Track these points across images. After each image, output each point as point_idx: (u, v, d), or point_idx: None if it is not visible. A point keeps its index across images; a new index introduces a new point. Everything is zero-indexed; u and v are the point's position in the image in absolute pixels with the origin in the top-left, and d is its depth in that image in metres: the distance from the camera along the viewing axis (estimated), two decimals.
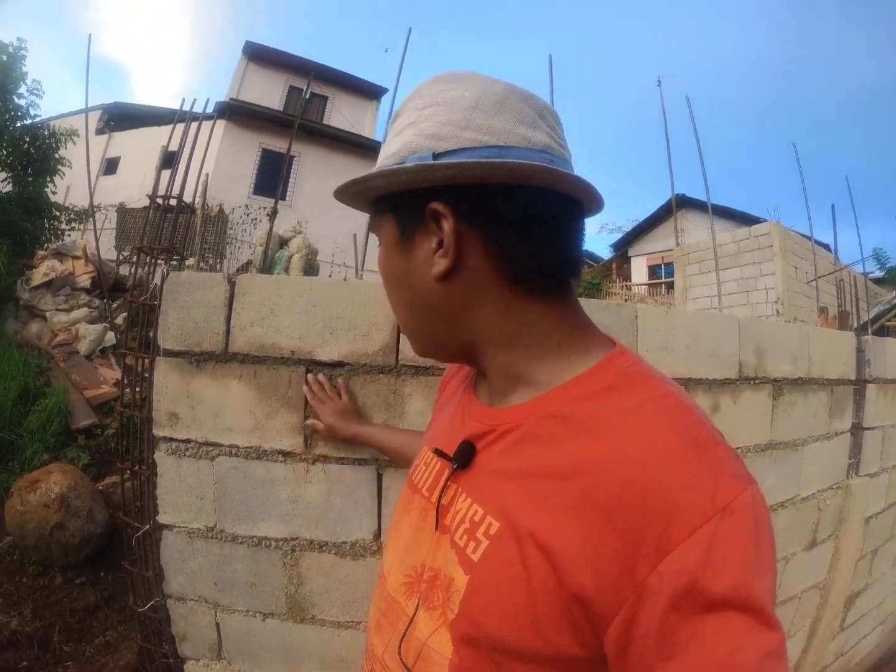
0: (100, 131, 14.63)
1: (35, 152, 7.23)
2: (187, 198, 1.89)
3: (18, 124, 7.09)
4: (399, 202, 0.63)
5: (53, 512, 2.81)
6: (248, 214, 12.45)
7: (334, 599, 1.52)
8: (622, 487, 0.48)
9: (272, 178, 13.44)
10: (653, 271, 20.40)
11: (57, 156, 7.44)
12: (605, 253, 24.50)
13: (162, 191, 1.79)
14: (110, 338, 4.95)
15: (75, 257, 5.83)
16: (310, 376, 1.44)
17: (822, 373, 2.12)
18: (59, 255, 5.84)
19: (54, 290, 5.35)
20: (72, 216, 7.88)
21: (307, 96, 15.11)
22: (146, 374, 1.60)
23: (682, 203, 13.94)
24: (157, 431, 1.51)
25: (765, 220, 9.15)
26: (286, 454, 1.48)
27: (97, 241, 5.02)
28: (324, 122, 16.08)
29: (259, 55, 16.52)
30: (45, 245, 6.95)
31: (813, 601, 2.24)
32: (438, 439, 0.72)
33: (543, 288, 0.62)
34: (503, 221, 0.59)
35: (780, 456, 1.96)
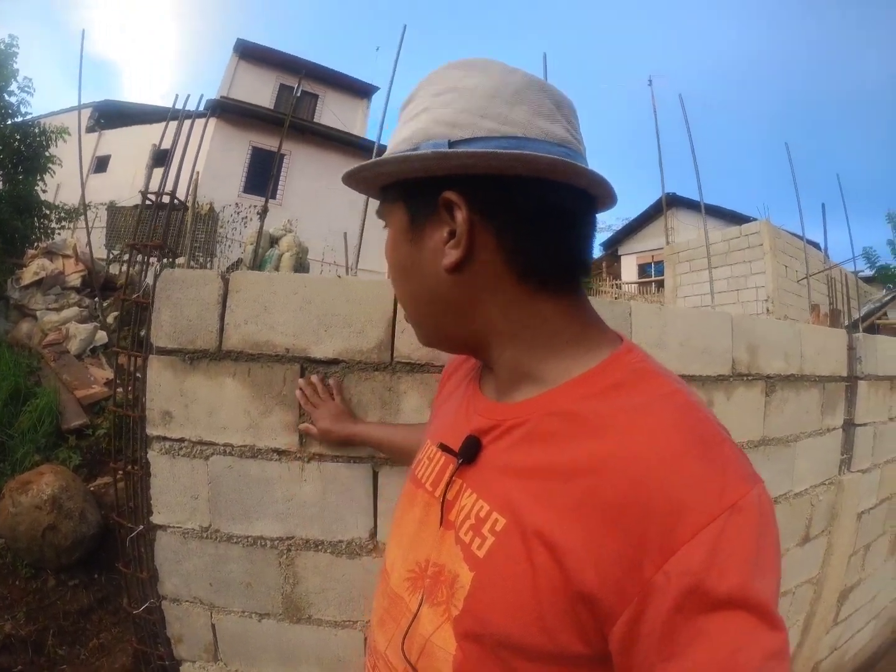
0: (90, 129, 14.52)
1: (25, 150, 7.21)
2: (178, 196, 1.88)
3: (9, 122, 7.06)
4: (411, 189, 0.62)
5: (45, 513, 2.79)
6: (238, 213, 12.44)
7: (331, 599, 1.52)
8: (628, 486, 0.48)
9: (262, 176, 13.43)
10: (643, 270, 20.49)
11: (47, 154, 7.42)
12: (594, 251, 24.64)
13: (153, 189, 1.78)
14: (101, 337, 4.92)
15: (65, 256, 5.80)
16: (301, 381, 1.42)
17: (814, 369, 2.13)
18: (50, 253, 5.81)
19: (44, 289, 5.32)
20: (62, 215, 7.85)
21: (298, 94, 15.09)
22: (139, 374, 1.59)
23: (672, 202, 14.00)
24: (151, 430, 1.49)
25: (755, 219, 9.19)
26: (281, 453, 1.47)
27: (89, 239, 4.99)
28: (314, 120, 16.08)
29: (250, 53, 16.50)
30: (36, 244, 6.93)
31: (806, 596, 2.26)
32: (442, 434, 0.71)
33: (554, 283, 0.62)
34: (518, 214, 0.58)
35: (773, 452, 1.97)
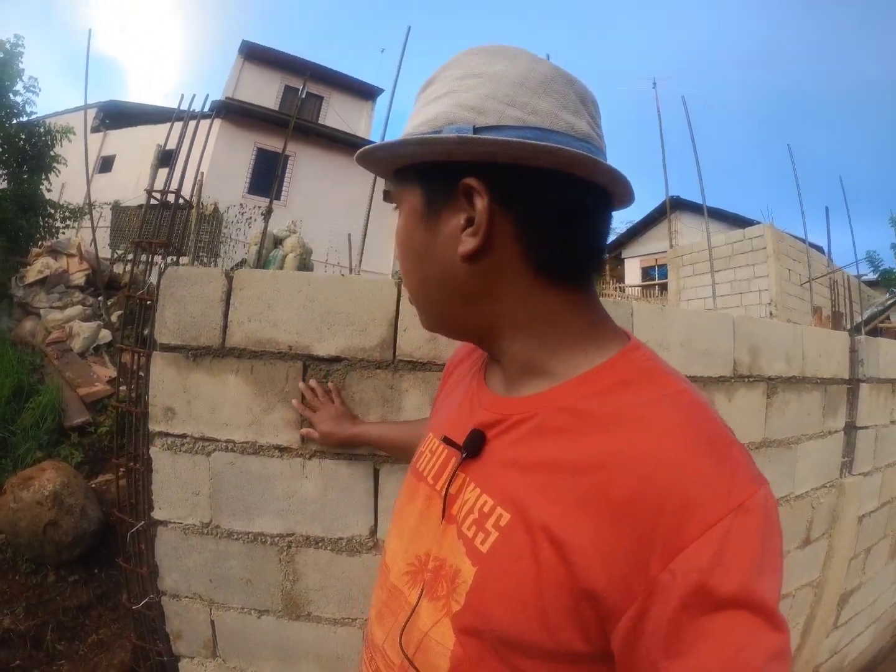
0: (95, 129, 14.55)
1: (30, 149, 7.20)
2: (183, 195, 1.89)
3: (14, 121, 7.06)
4: (428, 173, 0.61)
5: (47, 509, 2.80)
6: (242, 213, 12.44)
7: (330, 596, 1.52)
8: (637, 483, 0.48)
9: (267, 177, 13.40)
10: (646, 273, 20.44)
11: (52, 153, 7.41)
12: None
13: (157, 188, 1.79)
14: (105, 335, 4.93)
15: (70, 255, 5.81)
16: (301, 385, 1.43)
17: (815, 372, 2.13)
18: (54, 252, 5.82)
19: (48, 287, 5.33)
20: (66, 214, 7.85)
21: (303, 96, 15.08)
22: (142, 372, 1.59)
23: (676, 205, 13.98)
24: (153, 426, 1.50)
25: (759, 223, 9.19)
26: (283, 449, 1.47)
27: (94, 238, 5.01)
28: (319, 121, 16.03)
29: (255, 54, 16.50)
30: (40, 242, 6.92)
31: (807, 599, 2.26)
32: (445, 427, 0.71)
33: (567, 278, 0.61)
34: (538, 206, 0.57)
35: (775, 454, 1.97)
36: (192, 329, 1.47)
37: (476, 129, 0.55)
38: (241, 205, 12.81)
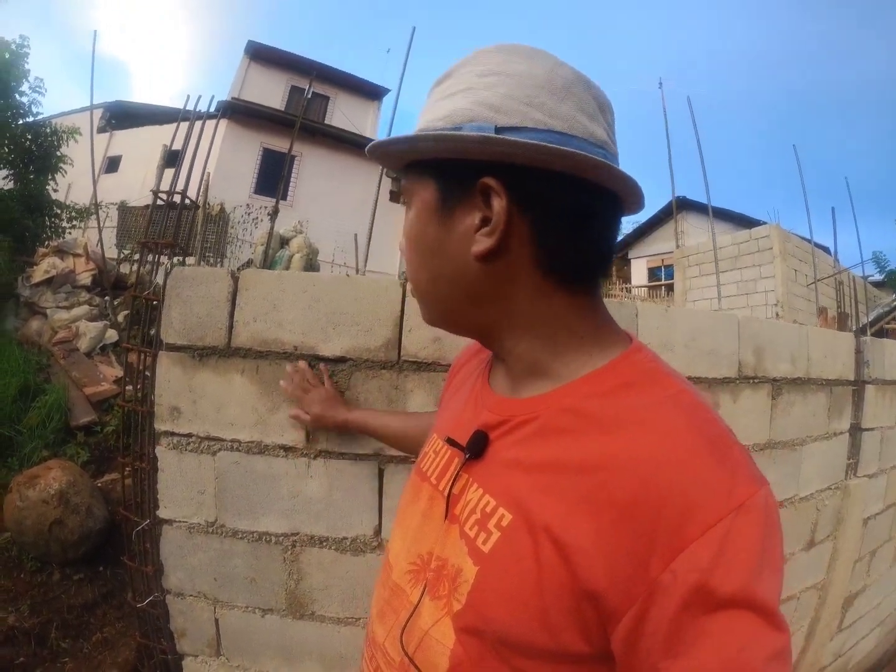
0: (101, 130, 14.58)
1: (37, 150, 7.27)
2: (189, 196, 1.89)
3: (20, 122, 7.10)
4: (444, 169, 0.61)
5: (52, 508, 2.81)
6: (249, 214, 12.44)
7: (334, 595, 1.53)
8: (638, 484, 0.48)
9: (273, 177, 13.43)
10: (652, 273, 20.38)
11: (59, 154, 7.45)
12: None
13: (163, 188, 1.80)
14: (111, 335, 4.95)
15: (76, 255, 5.83)
16: (289, 366, 1.42)
17: (821, 373, 2.12)
18: (60, 252, 5.85)
19: (55, 287, 5.36)
20: (73, 214, 7.89)
21: (309, 96, 15.06)
22: (148, 372, 1.60)
23: (682, 205, 13.92)
24: (159, 426, 1.51)
25: (765, 223, 9.17)
26: (288, 449, 1.48)
27: (100, 238, 5.03)
28: (325, 121, 16.04)
29: (261, 55, 16.51)
30: (46, 242, 6.97)
31: (811, 602, 2.25)
32: (449, 428, 0.72)
33: (576, 281, 0.62)
34: (554, 210, 0.57)
35: (779, 455, 1.96)
36: (198, 329, 1.47)
37: (497, 129, 0.55)
38: (248, 205, 12.82)
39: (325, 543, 1.51)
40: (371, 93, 17.99)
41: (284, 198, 13.57)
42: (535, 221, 0.57)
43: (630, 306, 1.63)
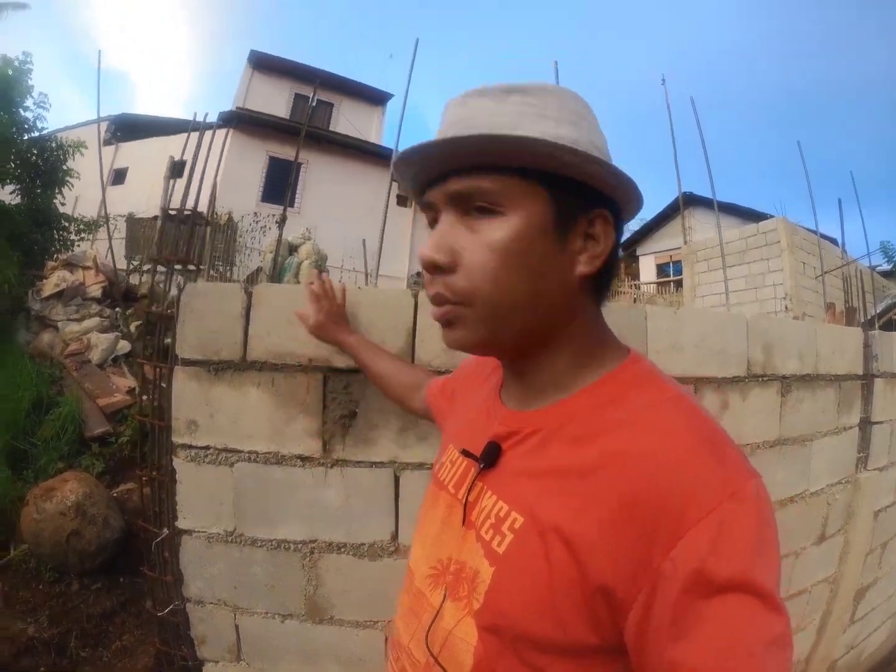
0: (107, 142, 14.63)
1: (43, 164, 7.30)
2: (197, 206, 1.91)
3: (26, 137, 7.14)
4: (564, 188, 0.60)
5: (69, 519, 2.83)
6: (256, 222, 12.41)
7: (352, 600, 1.55)
8: (640, 478, 0.51)
9: (280, 185, 13.40)
10: (661, 269, 20.22)
11: (65, 167, 7.49)
12: None
13: (171, 200, 1.82)
14: (123, 346, 4.98)
15: (86, 267, 5.87)
16: (323, 275, 1.46)
17: (829, 368, 2.13)
18: (70, 265, 5.88)
19: (65, 300, 5.39)
20: (81, 227, 7.94)
21: (313, 104, 15.03)
22: (162, 384, 1.63)
23: (689, 201, 13.84)
24: (177, 439, 1.54)
25: (772, 216, 9.11)
26: (305, 459, 1.51)
27: (111, 250, 5.06)
28: (330, 128, 15.99)
29: (264, 64, 16.53)
30: (55, 256, 7.01)
31: (823, 595, 2.25)
32: (464, 440, 0.75)
33: (601, 300, 0.68)
34: (620, 238, 0.65)
35: (789, 451, 1.97)
36: (213, 343, 1.50)
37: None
38: (256, 213, 12.76)
39: (342, 549, 1.53)
40: (375, 98, 17.95)
41: (292, 205, 13.49)
42: (614, 248, 0.63)
43: (639, 310, 1.65)
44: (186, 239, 1.72)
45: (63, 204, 7.65)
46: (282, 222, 2.84)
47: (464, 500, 0.67)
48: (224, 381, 1.50)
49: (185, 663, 1.67)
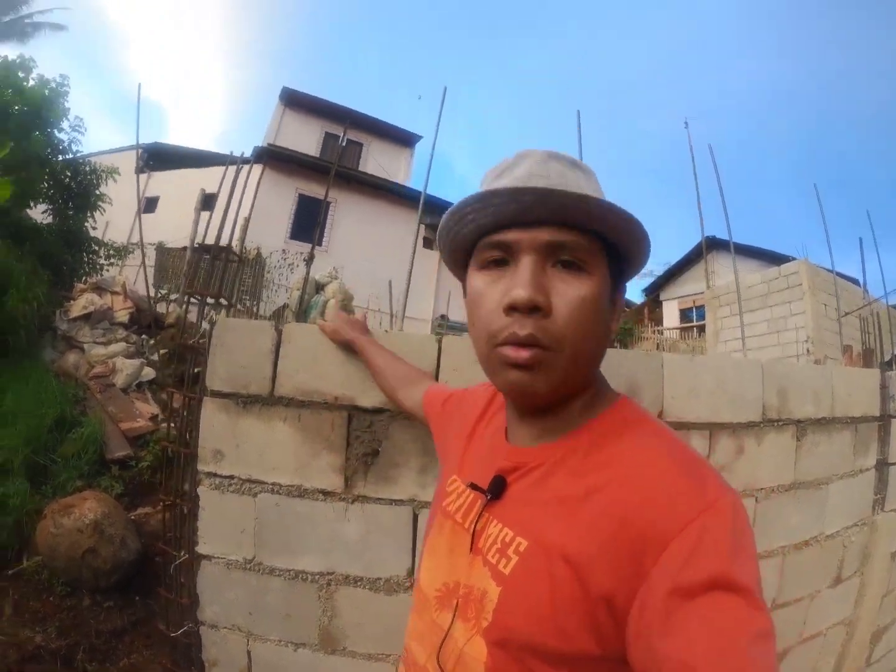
0: (139, 170, 14.96)
1: (76, 187, 7.41)
2: (225, 240, 1.97)
3: (60, 158, 7.26)
4: (618, 258, 0.70)
5: (87, 537, 2.85)
6: (284, 259, 12.51)
7: (367, 633, 1.57)
8: (632, 500, 0.58)
9: (308, 223, 13.58)
10: (684, 315, 20.03)
11: (97, 192, 7.63)
12: (636, 297, 23.58)
13: (201, 232, 1.89)
14: (148, 373, 5.03)
15: (114, 292, 5.98)
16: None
17: (845, 411, 2.13)
18: (99, 289, 5.99)
19: (93, 323, 5.47)
20: (111, 252, 8.08)
21: (343, 143, 15.07)
22: (185, 412, 1.68)
23: (713, 245, 13.72)
24: (202, 467, 1.59)
25: (794, 259, 9.08)
26: (327, 493, 1.55)
27: (145, 277, 5.13)
28: (359, 168, 16.20)
29: (295, 101, 16.82)
30: (84, 278, 7.11)
31: (838, 638, 2.22)
32: (469, 473, 0.81)
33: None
34: None
35: (805, 495, 1.96)
36: (243, 378, 1.56)
37: None
38: (284, 250, 12.83)
39: (359, 583, 1.56)
40: (404, 140, 18.14)
41: (320, 243, 13.58)
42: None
43: (656, 357, 1.69)
44: (218, 275, 1.78)
45: (94, 228, 7.76)
46: (310, 260, 2.90)
47: (471, 529, 0.73)
48: (252, 414, 1.56)
49: None
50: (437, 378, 1.54)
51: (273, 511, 1.56)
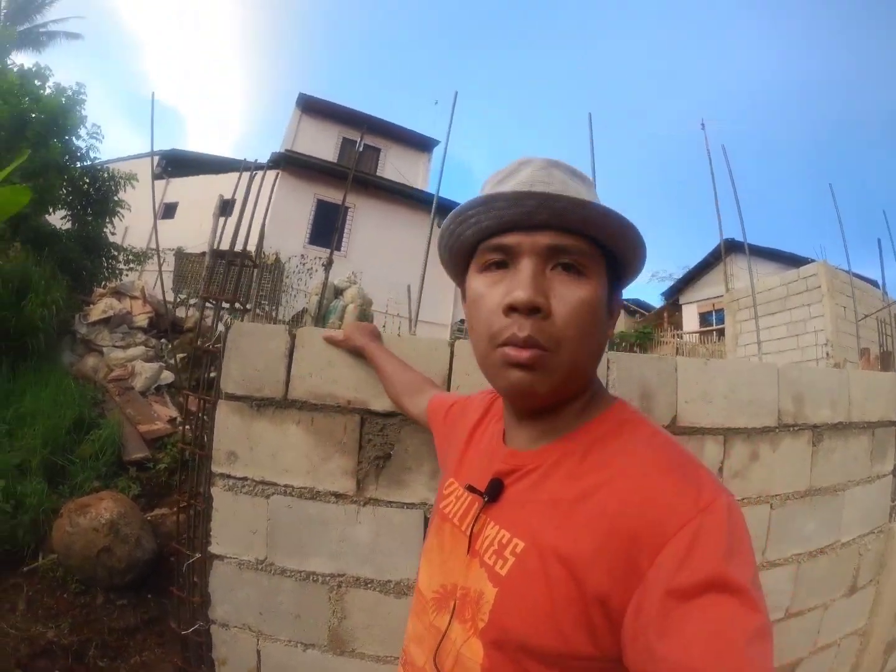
0: (158, 176, 15.08)
1: (94, 193, 7.52)
2: (242, 245, 1.99)
3: (78, 164, 7.35)
4: (614, 265, 0.71)
5: (102, 536, 2.87)
6: (303, 264, 12.51)
7: (375, 634, 1.58)
8: (628, 500, 0.58)
9: (327, 228, 13.52)
10: (704, 318, 19.80)
11: (116, 198, 7.72)
12: (656, 301, 23.49)
13: (219, 238, 1.91)
14: (166, 377, 5.11)
15: (133, 297, 6.07)
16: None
17: (862, 416, 2.10)
18: (118, 293, 6.08)
19: (112, 326, 5.55)
20: (130, 257, 8.17)
21: (360, 149, 14.99)
22: (201, 414, 1.70)
23: (731, 248, 13.53)
24: (216, 468, 1.61)
25: (813, 261, 8.95)
26: (338, 496, 1.56)
27: (161, 281, 5.20)
28: (377, 173, 16.14)
29: (312, 107, 16.78)
30: (103, 283, 7.21)
31: (852, 648, 2.18)
32: (466, 476, 0.82)
33: None
34: None
35: (820, 502, 1.94)
36: (257, 381, 1.58)
37: None
38: (302, 255, 12.77)
39: (369, 585, 1.57)
40: (421, 144, 18.02)
41: (338, 248, 13.50)
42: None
43: (669, 361, 1.68)
44: (235, 280, 1.81)
45: (113, 234, 7.86)
46: (328, 265, 2.92)
47: (468, 532, 0.74)
48: (265, 416, 1.58)
49: None
50: (449, 381, 1.55)
51: (285, 513, 1.57)
